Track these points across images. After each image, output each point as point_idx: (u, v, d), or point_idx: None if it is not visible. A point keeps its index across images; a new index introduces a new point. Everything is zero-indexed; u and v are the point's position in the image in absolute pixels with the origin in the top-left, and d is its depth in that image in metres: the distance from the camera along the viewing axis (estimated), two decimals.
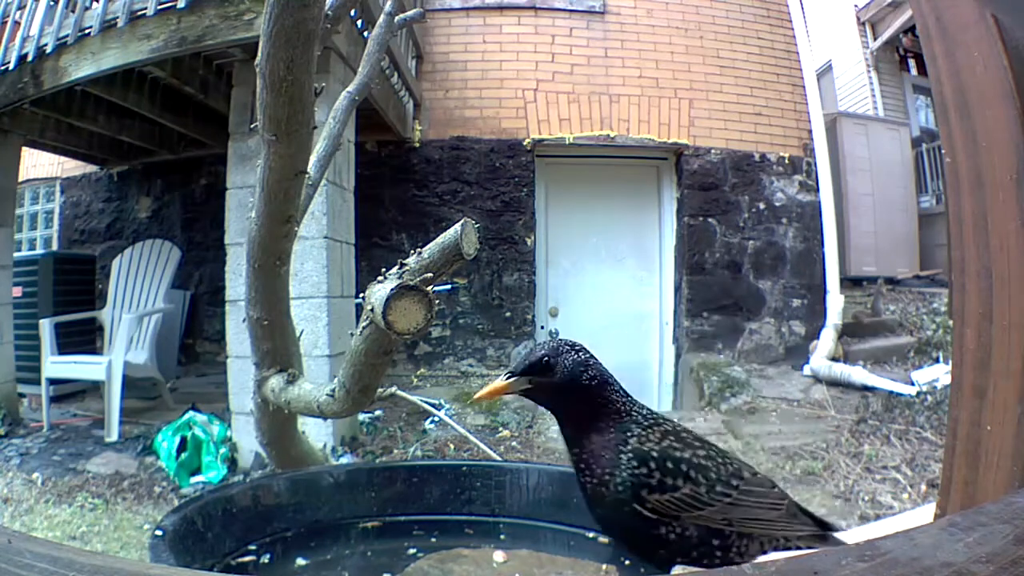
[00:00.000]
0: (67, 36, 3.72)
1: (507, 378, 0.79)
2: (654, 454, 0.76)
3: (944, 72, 0.98)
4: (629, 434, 0.77)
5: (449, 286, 5.13)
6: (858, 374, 4.80)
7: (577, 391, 0.78)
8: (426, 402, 3.94)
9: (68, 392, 4.99)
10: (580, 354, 0.80)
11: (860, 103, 8.60)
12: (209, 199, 5.61)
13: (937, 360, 5.06)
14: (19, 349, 4.69)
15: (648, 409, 0.82)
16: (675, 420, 0.83)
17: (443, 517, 1.20)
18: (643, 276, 5.71)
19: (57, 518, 3.15)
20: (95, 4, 3.72)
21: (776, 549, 0.80)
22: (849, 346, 5.31)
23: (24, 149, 4.90)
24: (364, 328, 1.06)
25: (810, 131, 5.63)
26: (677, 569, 0.76)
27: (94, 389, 4.76)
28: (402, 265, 0.97)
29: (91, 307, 5.20)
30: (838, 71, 9.11)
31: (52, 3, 3.86)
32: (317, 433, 3.22)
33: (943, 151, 1.06)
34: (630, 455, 0.76)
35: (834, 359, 5.12)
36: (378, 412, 4.15)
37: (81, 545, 2.87)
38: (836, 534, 0.85)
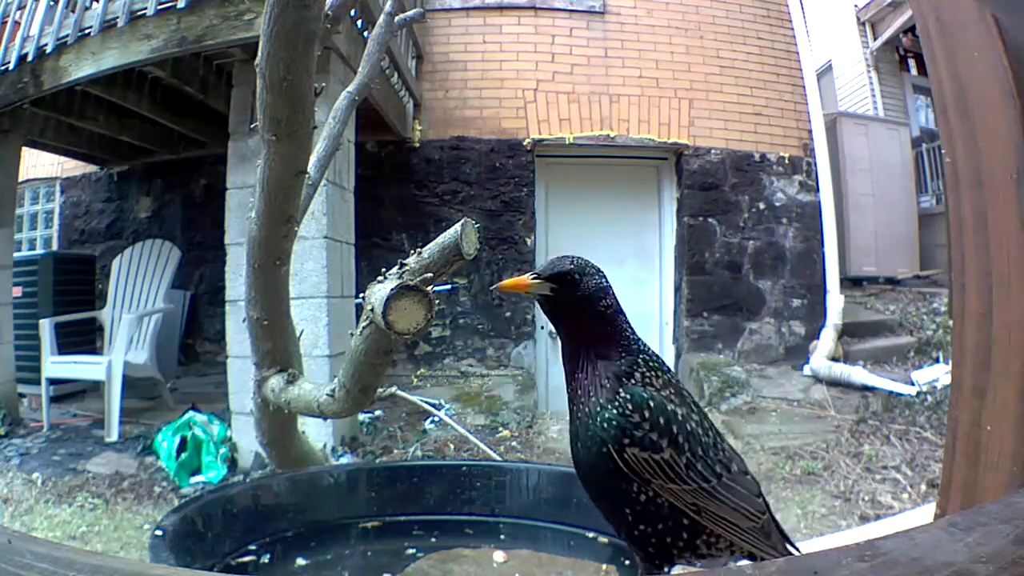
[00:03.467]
0: (67, 36, 3.72)
1: (533, 277, 0.78)
2: (650, 402, 0.73)
3: (944, 72, 0.98)
4: (635, 367, 0.75)
5: (449, 286, 5.13)
6: (858, 374, 4.80)
7: (593, 313, 0.77)
8: (426, 402, 3.94)
9: (68, 392, 4.99)
10: (602, 279, 0.78)
11: (860, 103, 8.60)
12: (209, 199, 5.60)
13: (937, 360, 5.06)
14: (19, 349, 4.69)
15: (656, 353, 0.80)
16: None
17: (443, 517, 1.20)
18: (643, 276, 5.70)
19: (57, 518, 3.15)
20: (95, 4, 3.72)
21: (740, 559, 0.76)
22: (849, 346, 5.31)
23: (24, 149, 4.90)
24: (364, 328, 1.06)
25: (810, 131, 5.63)
26: (677, 569, 0.75)
27: (94, 389, 4.75)
28: (402, 265, 0.97)
29: (91, 307, 5.20)
30: (838, 71, 9.11)
31: (52, 3, 3.86)
32: (317, 433, 3.22)
33: (943, 151, 1.06)
34: (626, 395, 0.73)
35: (834, 359, 5.12)
36: (378, 412, 4.16)
37: (81, 545, 2.87)
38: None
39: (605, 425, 0.72)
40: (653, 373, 0.76)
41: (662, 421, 0.72)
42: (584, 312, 0.77)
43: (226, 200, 3.73)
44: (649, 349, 0.79)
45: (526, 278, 0.78)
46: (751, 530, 0.75)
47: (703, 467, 0.73)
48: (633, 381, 0.74)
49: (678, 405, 0.75)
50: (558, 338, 0.81)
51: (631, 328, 0.79)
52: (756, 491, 0.78)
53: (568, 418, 0.78)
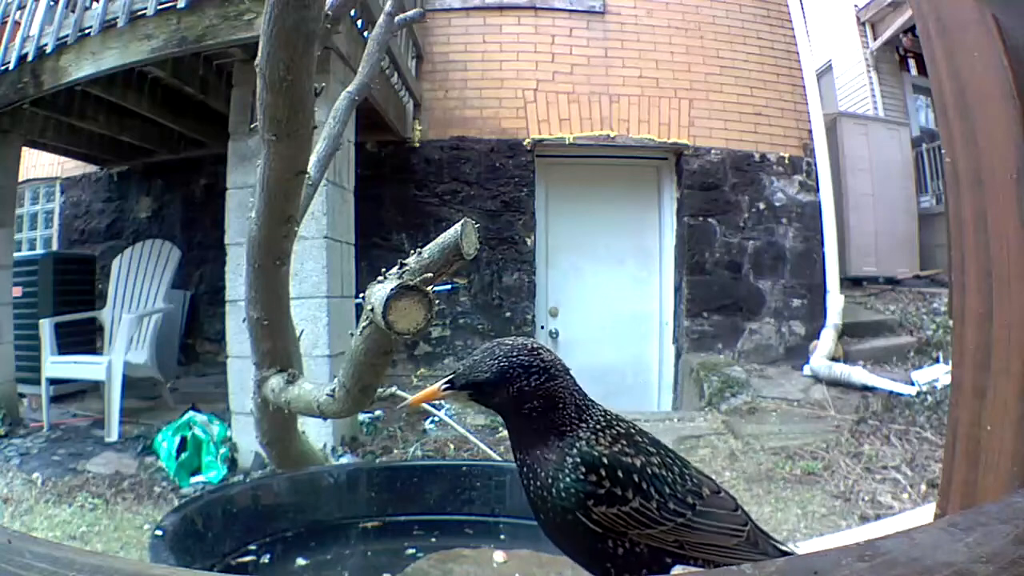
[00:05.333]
0: (67, 36, 3.72)
1: (445, 388, 0.72)
2: (604, 460, 0.69)
3: (944, 72, 0.98)
4: (578, 437, 0.71)
5: (449, 286, 5.13)
6: (858, 374, 4.80)
7: (520, 412, 0.71)
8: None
9: (68, 392, 4.99)
10: (532, 379, 0.70)
11: (860, 103, 8.60)
12: (209, 199, 5.60)
13: (937, 360, 5.06)
14: (19, 349, 4.68)
15: (604, 410, 0.76)
16: (631, 421, 0.76)
17: (443, 517, 1.20)
18: (643, 276, 5.70)
19: (57, 518, 3.15)
20: (95, 4, 3.72)
21: None
22: (849, 346, 5.31)
23: (24, 149, 4.90)
24: (364, 328, 1.06)
25: (810, 131, 5.63)
26: (677, 569, 0.75)
27: (94, 389, 4.75)
28: (402, 265, 0.97)
29: (91, 307, 5.20)
30: (838, 71, 9.11)
31: (52, 3, 3.85)
32: (317, 433, 3.22)
33: (943, 151, 1.06)
34: (576, 459, 0.70)
35: (834, 359, 5.12)
36: (378, 412, 4.15)
37: (81, 545, 2.87)
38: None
39: (564, 494, 0.69)
40: (599, 434, 0.72)
41: (620, 474, 0.69)
42: (515, 408, 0.71)
43: (226, 200, 3.73)
44: (597, 410, 0.75)
45: (438, 386, 0.72)
46: (738, 546, 0.73)
47: (675, 504, 0.71)
48: (577, 448, 0.71)
49: (633, 455, 0.71)
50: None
51: (574, 398, 0.73)
52: (733, 506, 0.77)
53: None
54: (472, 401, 0.73)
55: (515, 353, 0.71)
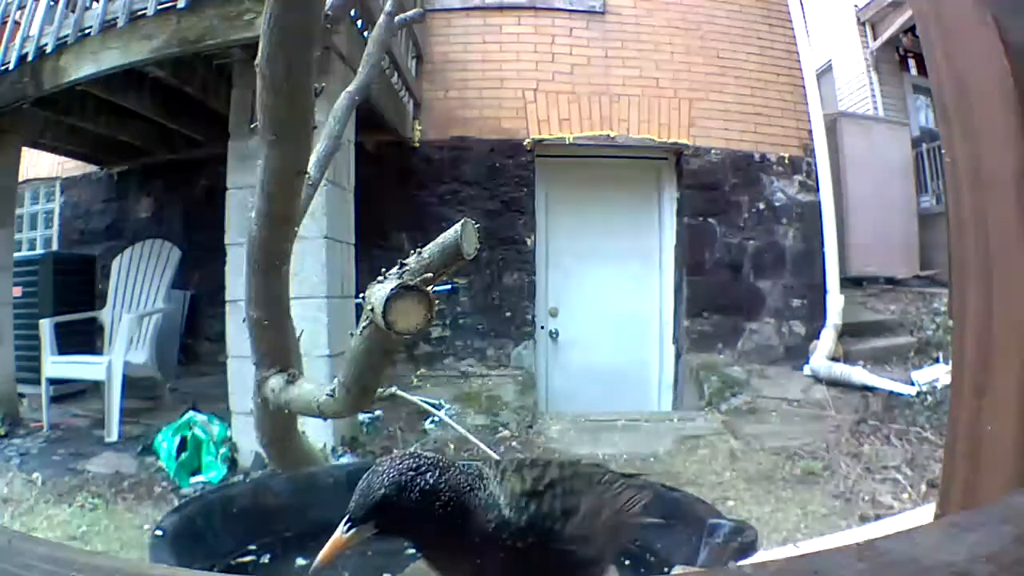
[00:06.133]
0: (67, 36, 3.72)
1: (347, 530, 0.65)
2: (531, 508, 0.68)
3: (944, 72, 0.98)
4: (502, 519, 0.68)
5: (449, 286, 5.13)
6: (858, 374, 4.80)
7: (433, 522, 0.65)
8: (426, 402, 3.94)
9: (68, 392, 4.98)
10: (427, 476, 0.65)
11: (860, 103, 8.60)
12: (209, 199, 5.59)
13: (937, 360, 5.06)
14: (19, 349, 4.69)
15: (502, 468, 0.73)
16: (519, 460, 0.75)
17: None
18: (643, 276, 5.70)
19: (57, 518, 3.15)
20: (95, 4, 3.72)
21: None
22: (849, 346, 5.31)
23: (24, 149, 4.90)
24: (364, 328, 1.06)
25: (810, 131, 5.63)
26: (677, 569, 0.75)
27: (94, 389, 4.75)
28: (402, 265, 0.97)
29: (91, 307, 5.20)
30: (838, 71, 9.11)
31: (52, 3, 3.85)
32: (317, 433, 3.21)
33: (943, 151, 1.06)
34: (516, 528, 0.67)
35: (834, 359, 5.12)
36: (378, 412, 4.15)
37: (81, 545, 2.87)
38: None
39: (539, 538, 0.67)
40: (514, 504, 0.70)
41: (547, 501, 0.70)
42: (425, 523, 0.66)
43: (226, 200, 3.73)
44: (495, 489, 0.71)
45: (338, 535, 0.65)
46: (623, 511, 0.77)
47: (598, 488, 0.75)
48: (511, 527, 0.68)
49: (540, 482, 0.71)
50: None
51: (475, 490, 0.69)
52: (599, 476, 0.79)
53: None
54: (381, 535, 0.66)
55: (397, 463, 0.66)
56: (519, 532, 0.67)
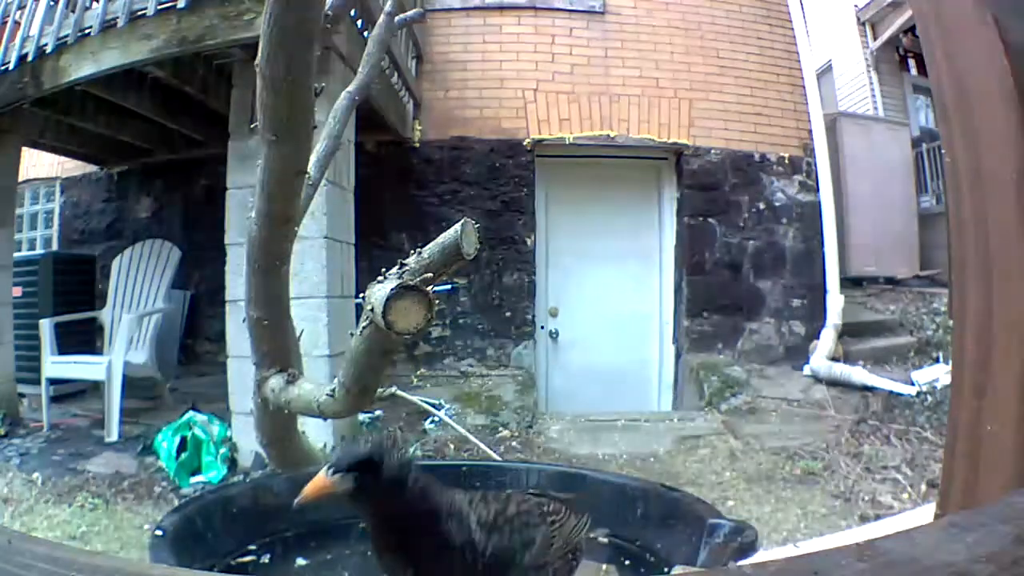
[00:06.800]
0: (67, 36, 3.72)
1: (331, 474, 0.70)
2: (494, 538, 0.75)
3: (944, 72, 0.98)
4: (469, 537, 0.73)
5: (449, 286, 5.13)
6: (858, 374, 4.80)
7: (404, 493, 0.71)
8: (426, 402, 3.94)
9: (68, 392, 4.98)
10: (407, 454, 0.74)
11: (860, 103, 8.59)
12: (209, 199, 5.60)
13: (937, 360, 5.06)
14: (19, 349, 4.68)
15: (461, 495, 0.79)
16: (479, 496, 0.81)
17: None
18: (643, 276, 5.70)
19: (57, 518, 3.15)
20: (95, 4, 3.72)
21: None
22: (849, 346, 5.31)
23: (24, 149, 4.89)
24: (364, 328, 1.06)
25: (810, 131, 5.62)
26: (677, 569, 0.75)
27: (94, 389, 4.75)
28: (402, 265, 0.97)
29: (91, 307, 5.19)
30: (838, 71, 9.11)
31: (52, 3, 3.85)
32: (317, 433, 3.21)
33: (943, 151, 1.06)
34: (479, 546, 0.74)
35: (834, 359, 5.11)
36: (378, 412, 4.15)
37: (81, 545, 2.87)
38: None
39: (521, 549, 0.76)
40: (484, 513, 0.77)
41: (525, 519, 0.79)
42: (397, 493, 0.71)
43: (226, 200, 3.73)
44: (462, 497, 0.78)
45: (321, 476, 0.70)
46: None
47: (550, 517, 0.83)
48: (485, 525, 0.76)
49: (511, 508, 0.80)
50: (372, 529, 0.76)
51: (448, 498, 0.75)
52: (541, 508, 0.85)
53: None
54: (356, 495, 0.71)
55: (385, 436, 0.74)
56: (484, 555, 0.73)
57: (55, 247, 6.44)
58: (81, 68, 3.72)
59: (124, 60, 3.61)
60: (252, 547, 1.09)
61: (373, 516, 0.73)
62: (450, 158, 5.43)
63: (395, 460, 0.71)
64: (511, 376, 5.12)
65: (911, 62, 8.63)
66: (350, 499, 0.72)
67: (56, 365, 4.43)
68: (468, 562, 0.72)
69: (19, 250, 5.95)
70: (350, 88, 1.77)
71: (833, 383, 4.84)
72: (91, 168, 6.36)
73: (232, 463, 3.70)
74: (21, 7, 4.12)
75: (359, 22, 3.99)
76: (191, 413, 3.87)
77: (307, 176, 1.33)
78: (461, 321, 5.36)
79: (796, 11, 5.78)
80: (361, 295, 0.99)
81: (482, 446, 2.97)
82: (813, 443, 3.94)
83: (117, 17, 3.53)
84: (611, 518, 1.11)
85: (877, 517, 3.06)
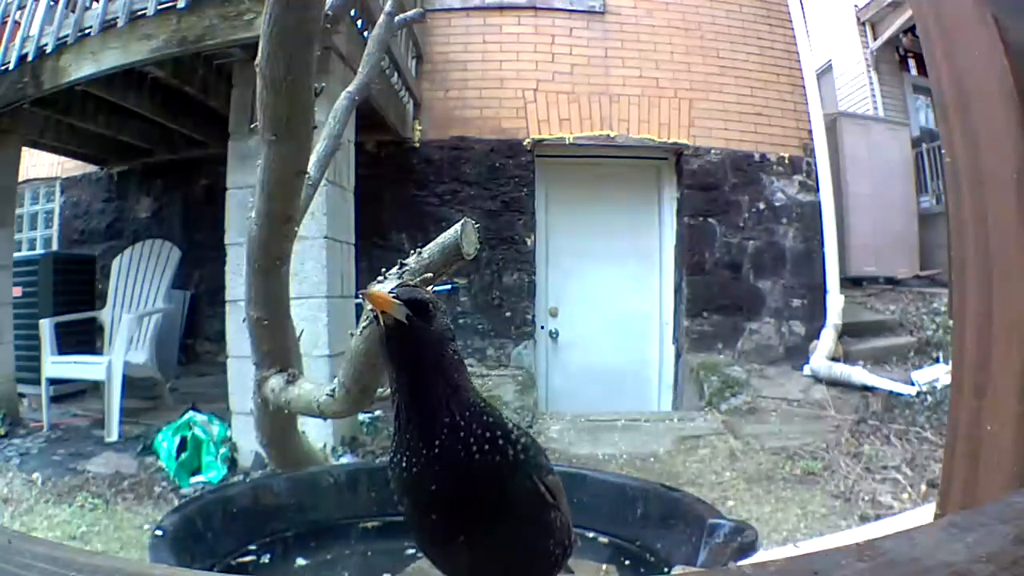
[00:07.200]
0: (67, 36, 3.72)
1: (393, 295, 0.68)
2: (524, 436, 0.72)
3: (944, 72, 0.98)
4: (499, 414, 0.71)
5: (449, 286, 5.13)
6: (858, 374, 4.80)
7: (440, 356, 0.69)
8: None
9: (68, 392, 4.98)
10: (450, 325, 0.72)
11: (860, 103, 8.59)
12: (209, 199, 5.60)
13: (937, 360, 5.06)
14: (19, 349, 4.68)
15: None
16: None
17: None
18: (643, 276, 5.70)
19: (57, 518, 3.15)
20: (95, 4, 3.72)
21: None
22: (849, 346, 5.31)
23: (24, 149, 4.89)
24: (364, 328, 1.06)
25: (810, 131, 5.62)
26: (677, 569, 0.75)
27: (94, 389, 4.75)
28: (402, 265, 0.97)
29: (91, 307, 5.20)
30: (838, 71, 9.11)
31: (52, 3, 3.85)
32: (317, 433, 3.22)
33: (943, 151, 1.06)
34: (516, 432, 0.71)
35: (834, 359, 5.12)
36: (378, 412, 4.15)
37: (81, 545, 2.87)
38: None
39: (523, 456, 0.70)
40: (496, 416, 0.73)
41: (538, 448, 0.74)
42: (436, 351, 0.69)
43: (226, 200, 3.73)
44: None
45: (387, 294, 0.68)
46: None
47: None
48: (508, 424, 0.71)
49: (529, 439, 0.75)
50: (400, 386, 0.70)
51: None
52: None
53: (417, 471, 0.68)
54: (401, 335, 0.68)
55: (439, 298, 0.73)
56: (518, 442, 0.70)
57: (55, 247, 6.44)
58: (81, 68, 3.72)
59: (124, 60, 3.61)
60: (252, 547, 1.09)
61: (401, 368, 0.70)
62: (450, 158, 5.43)
63: (445, 322, 0.70)
64: (511, 376, 5.12)
65: (911, 62, 8.63)
66: (391, 337, 0.68)
67: (56, 365, 4.43)
68: (500, 444, 0.69)
69: (19, 250, 5.95)
70: (350, 88, 1.77)
71: (833, 383, 4.84)
72: (91, 168, 6.36)
73: (232, 463, 3.70)
74: (21, 7, 4.12)
75: (359, 22, 3.99)
76: (191, 413, 3.87)
77: (307, 176, 1.33)
78: (461, 321, 5.35)
79: (796, 11, 5.78)
80: (361, 295, 0.99)
81: None
82: (813, 443, 3.94)
83: (117, 17, 3.53)
84: (611, 518, 1.11)
85: (877, 517, 3.07)
